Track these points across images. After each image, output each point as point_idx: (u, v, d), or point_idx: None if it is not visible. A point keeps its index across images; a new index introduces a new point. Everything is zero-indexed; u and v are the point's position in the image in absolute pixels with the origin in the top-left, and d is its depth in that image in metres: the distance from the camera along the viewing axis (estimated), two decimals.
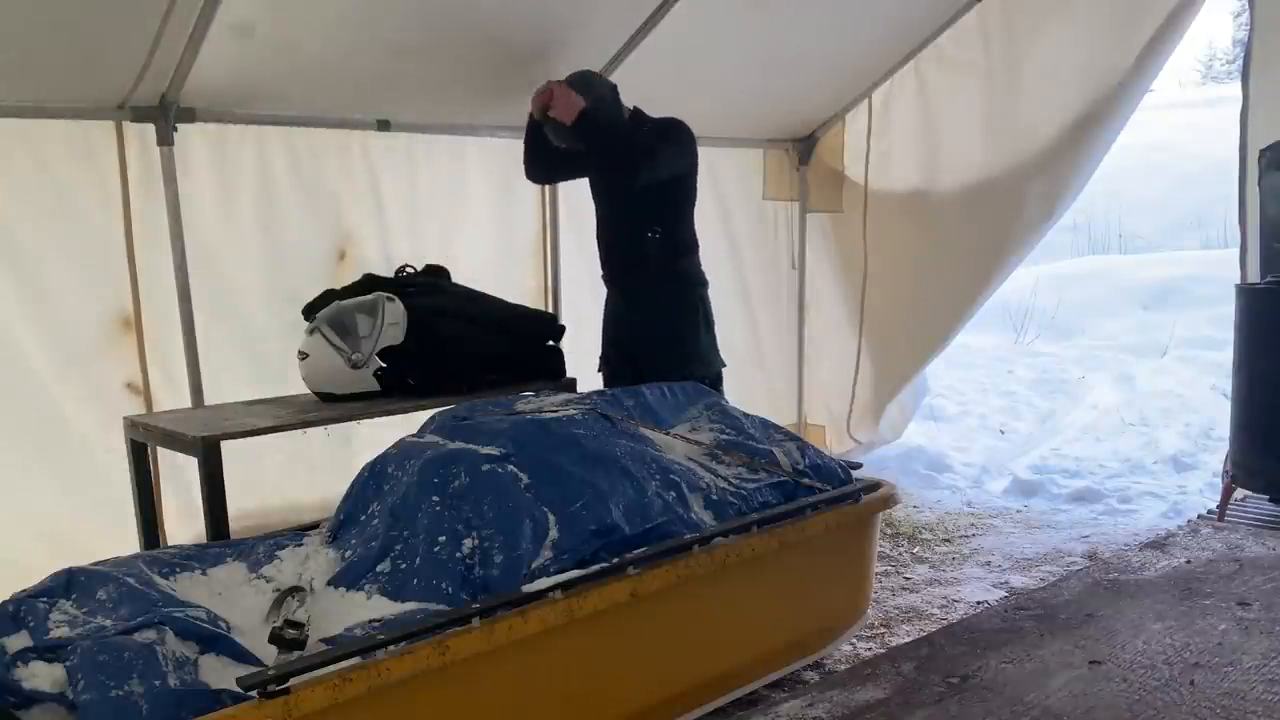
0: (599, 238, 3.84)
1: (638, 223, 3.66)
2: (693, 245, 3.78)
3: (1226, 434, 4.07)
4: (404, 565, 2.29)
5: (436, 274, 3.63)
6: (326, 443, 3.58)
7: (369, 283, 3.46)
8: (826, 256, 5.67)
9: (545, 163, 3.79)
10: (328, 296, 3.38)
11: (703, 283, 3.79)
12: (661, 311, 3.71)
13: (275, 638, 2.01)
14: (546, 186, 4.47)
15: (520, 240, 4.51)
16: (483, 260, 4.29)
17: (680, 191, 3.69)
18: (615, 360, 3.82)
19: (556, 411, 2.77)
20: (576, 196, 4.63)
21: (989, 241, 5.09)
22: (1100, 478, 5.39)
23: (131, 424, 3.11)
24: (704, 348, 3.77)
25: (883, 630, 3.45)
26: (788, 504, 2.79)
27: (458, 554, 2.28)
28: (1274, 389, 3.73)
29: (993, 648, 2.18)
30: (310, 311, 3.34)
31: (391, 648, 1.98)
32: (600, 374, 3.86)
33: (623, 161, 3.53)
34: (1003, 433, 6.71)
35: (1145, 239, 14.52)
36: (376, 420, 3.31)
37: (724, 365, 3.84)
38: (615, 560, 2.36)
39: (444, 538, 2.30)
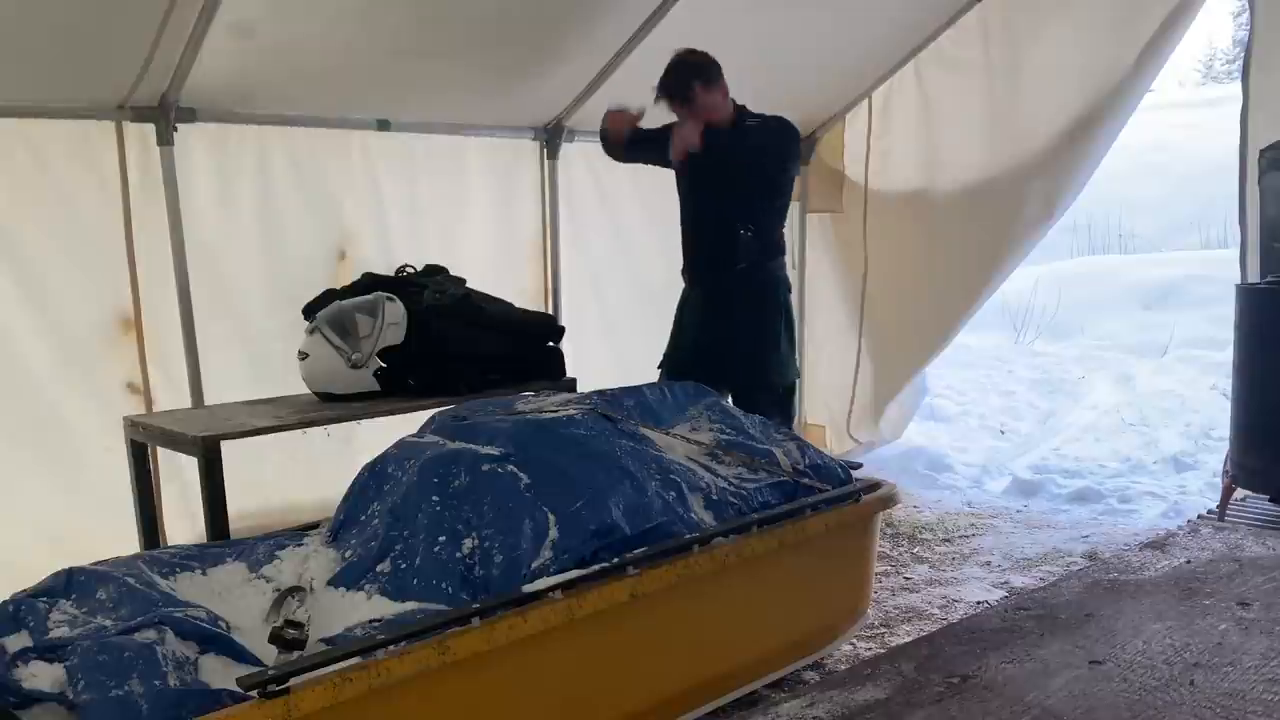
0: (685, 233, 3.76)
1: (732, 219, 3.60)
2: (782, 247, 3.73)
3: (1226, 434, 4.07)
4: (404, 565, 2.29)
5: (435, 274, 3.63)
6: (326, 443, 3.57)
7: (369, 282, 3.46)
8: (826, 256, 5.67)
9: (632, 142, 3.70)
10: (328, 296, 3.38)
11: (788, 286, 3.75)
12: (747, 314, 3.64)
13: (275, 638, 2.01)
14: (547, 187, 4.49)
15: (520, 240, 4.51)
16: (483, 260, 4.29)
17: (777, 189, 3.65)
18: (687, 359, 3.69)
19: (556, 411, 2.77)
20: (577, 196, 4.64)
21: (989, 241, 5.08)
22: (1100, 478, 5.38)
23: (131, 424, 3.11)
24: (784, 355, 3.72)
25: (883, 630, 3.45)
26: (788, 504, 2.78)
27: (458, 554, 2.27)
28: (1274, 389, 3.73)
29: (993, 648, 2.19)
30: (310, 311, 3.34)
31: (391, 648, 1.98)
32: (659, 370, 3.77)
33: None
34: (1003, 433, 6.71)
35: (1145, 239, 14.52)
36: (376, 420, 3.31)
37: (798, 375, 3.81)
38: (615, 560, 2.36)
39: (444, 538, 2.30)
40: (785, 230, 3.77)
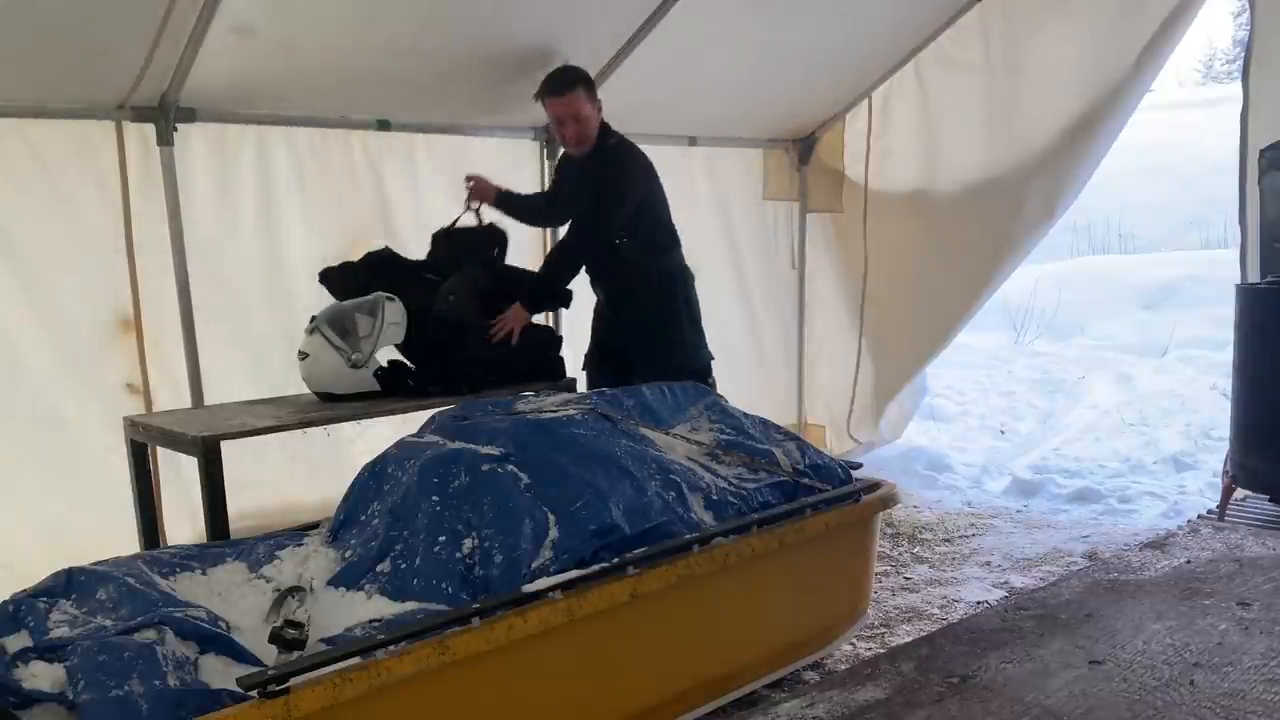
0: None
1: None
2: (669, 243, 3.81)
3: (1226, 434, 4.07)
4: (404, 565, 2.29)
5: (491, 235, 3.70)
6: (326, 443, 3.58)
7: (388, 257, 3.50)
8: (826, 256, 5.67)
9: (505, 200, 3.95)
10: (346, 268, 3.42)
11: (684, 277, 3.83)
12: (643, 309, 3.75)
13: (275, 638, 2.01)
14: (546, 182, 4.50)
15: (520, 240, 4.50)
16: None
17: (622, 204, 3.67)
18: (599, 359, 3.88)
19: (556, 411, 2.77)
20: None
21: (989, 241, 5.09)
22: (1100, 478, 5.38)
23: (131, 424, 3.11)
24: (689, 341, 3.81)
25: (883, 630, 3.45)
26: (788, 504, 2.78)
27: (458, 554, 2.28)
28: (1274, 389, 3.73)
29: (993, 648, 2.19)
30: (327, 279, 3.36)
31: (391, 648, 1.98)
32: (584, 372, 3.91)
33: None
34: (1003, 433, 6.71)
35: (1145, 239, 14.52)
36: (376, 420, 3.31)
37: (712, 358, 3.89)
38: (615, 560, 2.36)
39: (444, 538, 2.30)
40: (675, 224, 3.81)
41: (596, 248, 3.68)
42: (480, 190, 3.82)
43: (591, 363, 3.92)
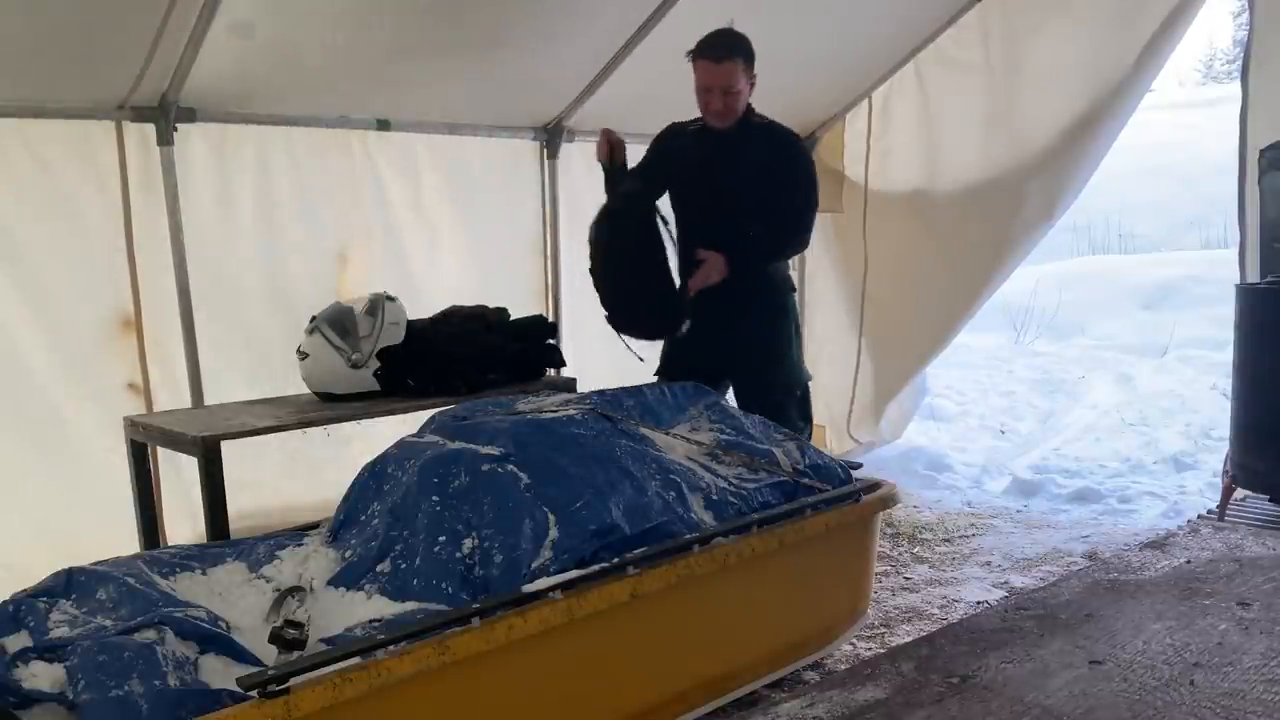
0: (685, 240, 3.50)
1: (741, 221, 3.40)
2: None
3: (1226, 434, 4.07)
4: (404, 565, 2.29)
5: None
6: (326, 443, 3.58)
7: None
8: (826, 256, 5.67)
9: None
10: None
11: (792, 286, 3.69)
12: (756, 317, 3.51)
13: (275, 638, 2.01)
14: (547, 187, 4.48)
15: (520, 240, 4.51)
16: (483, 260, 4.29)
17: (806, 215, 3.52)
18: (688, 368, 3.47)
19: (556, 411, 2.77)
20: (577, 196, 4.64)
21: (989, 241, 5.09)
22: (1100, 478, 5.38)
23: (131, 424, 3.11)
24: (795, 357, 3.63)
25: (883, 630, 3.45)
26: (788, 504, 2.79)
27: (458, 554, 2.28)
28: (1274, 389, 3.73)
29: (993, 648, 2.19)
30: None
31: (391, 648, 1.98)
32: (656, 378, 3.60)
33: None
34: (1003, 433, 6.71)
35: (1145, 239, 14.53)
36: (376, 420, 3.31)
37: (810, 377, 3.69)
38: (615, 560, 2.36)
39: (444, 538, 2.30)
40: None
41: (805, 236, 3.45)
42: (612, 142, 3.43)
43: (683, 373, 3.44)
